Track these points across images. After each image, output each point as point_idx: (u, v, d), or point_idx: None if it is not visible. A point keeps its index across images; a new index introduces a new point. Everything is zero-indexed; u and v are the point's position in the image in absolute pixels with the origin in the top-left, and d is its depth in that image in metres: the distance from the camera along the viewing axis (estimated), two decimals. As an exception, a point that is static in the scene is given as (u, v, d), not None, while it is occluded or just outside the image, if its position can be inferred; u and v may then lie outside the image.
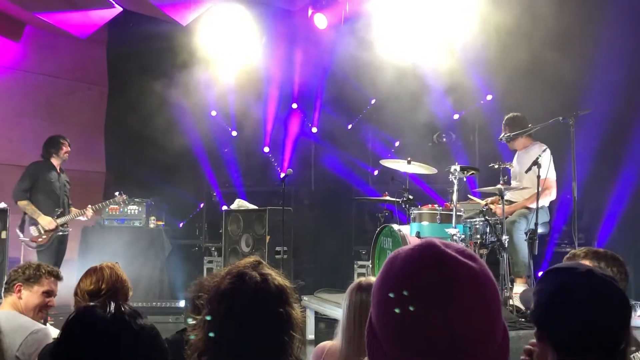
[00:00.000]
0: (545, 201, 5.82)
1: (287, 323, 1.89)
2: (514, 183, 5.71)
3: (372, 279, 2.49)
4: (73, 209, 7.25)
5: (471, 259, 1.09)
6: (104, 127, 9.62)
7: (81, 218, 7.22)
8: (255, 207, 8.20)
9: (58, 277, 3.47)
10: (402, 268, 1.09)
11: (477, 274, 1.07)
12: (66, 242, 7.23)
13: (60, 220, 6.98)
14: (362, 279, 2.51)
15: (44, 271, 3.40)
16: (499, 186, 5.45)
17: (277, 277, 1.97)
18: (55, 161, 7.19)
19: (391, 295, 1.07)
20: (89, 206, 7.16)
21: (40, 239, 6.88)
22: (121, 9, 8.46)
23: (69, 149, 7.27)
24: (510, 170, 5.88)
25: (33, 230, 6.91)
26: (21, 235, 6.89)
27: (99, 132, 9.62)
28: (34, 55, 8.92)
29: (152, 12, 8.35)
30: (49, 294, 3.39)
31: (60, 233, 7.04)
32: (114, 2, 8.31)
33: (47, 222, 6.89)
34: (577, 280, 1.54)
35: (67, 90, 9.18)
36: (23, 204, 6.91)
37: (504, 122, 6.24)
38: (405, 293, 1.05)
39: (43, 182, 7.05)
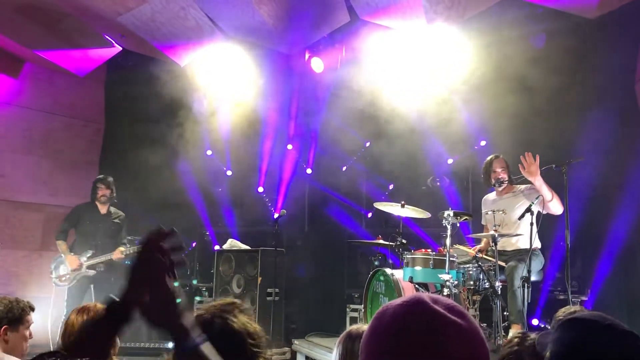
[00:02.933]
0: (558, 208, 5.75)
1: None
2: (500, 229, 5.66)
3: (364, 328, 2.45)
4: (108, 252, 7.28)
5: (460, 316, 1.09)
6: (98, 165, 9.60)
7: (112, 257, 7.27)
8: (248, 247, 8.15)
9: (33, 309, 3.44)
10: (390, 324, 1.08)
11: (465, 332, 1.07)
12: (91, 283, 7.25)
13: (86, 260, 7.14)
14: (354, 327, 2.48)
15: (25, 307, 3.36)
16: (491, 232, 5.45)
17: (238, 320, 1.93)
18: (97, 203, 7.43)
19: (379, 350, 1.07)
20: (119, 248, 7.23)
21: (64, 278, 7.12)
22: (120, 48, 8.56)
23: (105, 191, 7.42)
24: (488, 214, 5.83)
25: (62, 269, 7.17)
26: (53, 273, 7.17)
27: (93, 169, 9.59)
28: (31, 91, 8.95)
29: (151, 52, 8.44)
30: (29, 326, 3.36)
31: (84, 274, 7.14)
32: (113, 42, 8.42)
33: (70, 261, 7.12)
34: (599, 333, 1.51)
35: (63, 127, 9.18)
36: (58, 243, 7.25)
37: (503, 158, 6.19)
38: (393, 350, 1.04)
39: (81, 223, 7.35)
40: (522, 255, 5.66)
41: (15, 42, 8.12)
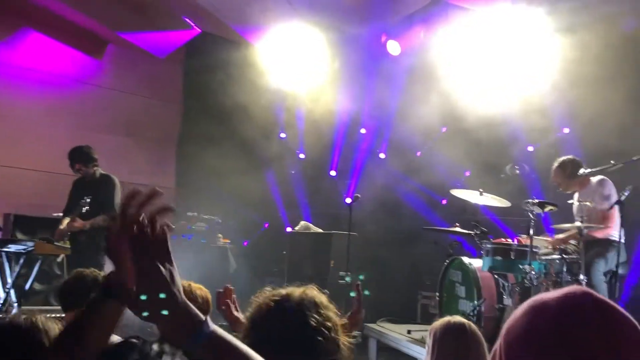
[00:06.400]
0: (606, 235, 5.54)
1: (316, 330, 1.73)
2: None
3: (461, 319, 2.39)
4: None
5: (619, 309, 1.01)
6: (176, 144, 9.85)
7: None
8: (321, 230, 8.17)
9: None
10: (560, 321, 0.98)
11: (636, 327, 0.99)
12: None
13: None
14: (450, 319, 2.41)
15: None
16: (577, 224, 5.24)
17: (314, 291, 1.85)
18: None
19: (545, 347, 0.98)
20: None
21: None
22: (199, 30, 8.71)
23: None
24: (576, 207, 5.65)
25: None
26: None
27: (171, 149, 9.86)
28: (113, 73, 9.26)
29: (228, 34, 8.56)
30: None
31: None
32: (192, 24, 8.57)
33: None
34: None
35: (143, 107, 9.45)
36: None
37: (555, 167, 6.06)
38: (566, 347, 0.96)
39: None
40: (598, 247, 5.47)
41: (101, 23, 8.39)
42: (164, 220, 1.19)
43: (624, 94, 6.45)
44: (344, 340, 1.77)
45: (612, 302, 1.00)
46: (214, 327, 1.11)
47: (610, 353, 0.94)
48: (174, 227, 1.25)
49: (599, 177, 5.77)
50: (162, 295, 1.10)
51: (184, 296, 1.13)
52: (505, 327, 1.06)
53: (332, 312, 1.80)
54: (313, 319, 1.72)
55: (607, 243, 5.54)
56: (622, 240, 5.63)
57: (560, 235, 5.70)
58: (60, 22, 8.40)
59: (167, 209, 1.19)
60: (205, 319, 1.12)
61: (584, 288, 1.03)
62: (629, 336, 0.96)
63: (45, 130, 8.49)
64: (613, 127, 6.42)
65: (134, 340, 1.52)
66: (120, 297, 1.30)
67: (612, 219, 5.47)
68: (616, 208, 5.29)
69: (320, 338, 1.69)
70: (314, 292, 1.83)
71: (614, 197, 5.50)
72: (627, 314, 0.99)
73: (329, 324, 1.73)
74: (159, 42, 8.77)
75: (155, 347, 1.48)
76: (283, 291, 1.82)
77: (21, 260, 6.20)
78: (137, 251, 1.14)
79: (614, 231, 5.48)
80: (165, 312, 1.08)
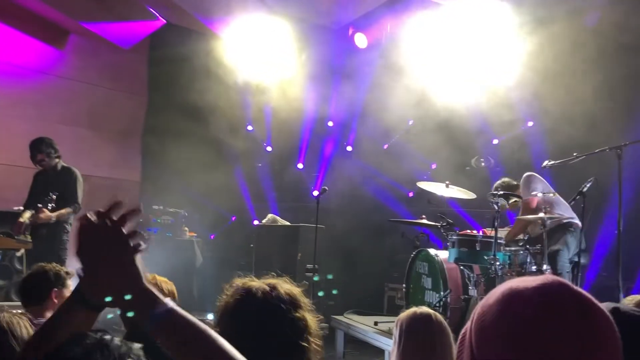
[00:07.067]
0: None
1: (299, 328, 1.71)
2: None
3: (427, 309, 2.41)
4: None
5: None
6: (141, 137, 9.69)
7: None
8: (288, 223, 8.14)
9: (70, 274, 3.57)
10: (536, 312, 0.95)
11: (609, 319, 0.98)
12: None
13: None
14: (416, 309, 2.42)
15: (67, 272, 3.51)
16: (541, 215, 5.32)
17: (285, 285, 1.82)
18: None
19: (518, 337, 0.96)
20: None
21: None
22: (164, 21, 8.56)
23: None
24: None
25: None
26: None
27: (135, 141, 9.70)
28: (76, 63, 9.04)
29: (194, 25, 8.45)
30: (69, 290, 3.46)
31: None
32: (157, 14, 8.42)
33: None
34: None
35: (106, 99, 9.26)
36: None
37: (498, 190, 6.16)
38: (539, 340, 0.94)
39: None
40: (558, 234, 5.57)
41: (62, 13, 8.18)
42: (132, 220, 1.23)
43: (590, 87, 6.57)
44: (313, 340, 1.72)
45: (587, 294, 0.99)
46: (173, 305, 1.15)
47: (586, 345, 0.93)
48: (140, 219, 1.27)
49: (526, 174, 5.93)
50: (124, 285, 1.15)
51: (145, 279, 1.17)
52: (477, 312, 1.04)
53: (303, 308, 1.75)
54: (277, 321, 1.68)
55: (565, 229, 5.66)
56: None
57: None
58: (21, 11, 8.16)
59: (134, 211, 1.25)
60: (165, 300, 1.15)
61: (559, 278, 1.02)
62: (605, 329, 0.96)
63: (5, 122, 8.26)
64: (578, 119, 6.54)
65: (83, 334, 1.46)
66: (93, 305, 1.28)
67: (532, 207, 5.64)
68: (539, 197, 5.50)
69: (283, 340, 1.66)
70: (284, 288, 1.77)
71: (538, 190, 5.66)
72: (601, 306, 0.98)
73: (288, 330, 1.68)
74: (123, 33, 8.59)
75: (97, 336, 1.42)
76: (252, 284, 1.78)
77: (-20, 256, 6.04)
78: (95, 241, 1.18)
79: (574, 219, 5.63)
80: (127, 297, 1.14)
